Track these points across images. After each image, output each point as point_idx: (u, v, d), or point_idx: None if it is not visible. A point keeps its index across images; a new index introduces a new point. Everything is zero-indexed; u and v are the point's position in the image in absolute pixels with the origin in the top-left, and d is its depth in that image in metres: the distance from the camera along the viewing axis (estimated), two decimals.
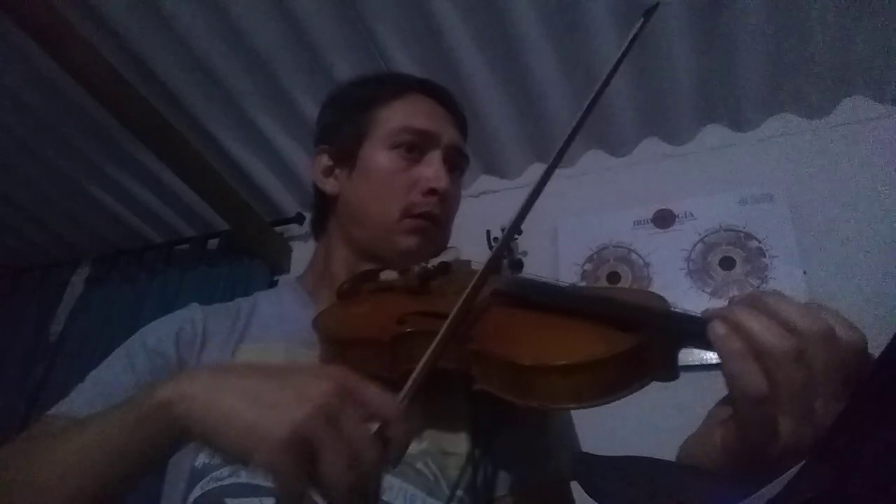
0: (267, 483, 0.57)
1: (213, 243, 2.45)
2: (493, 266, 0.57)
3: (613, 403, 0.47)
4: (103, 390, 0.65)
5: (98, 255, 2.67)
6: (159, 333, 0.71)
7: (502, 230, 1.86)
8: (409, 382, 0.48)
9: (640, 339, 0.48)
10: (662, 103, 1.82)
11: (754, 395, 0.38)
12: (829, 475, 0.33)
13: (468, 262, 0.76)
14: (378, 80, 0.85)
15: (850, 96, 1.76)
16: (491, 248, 1.85)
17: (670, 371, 0.50)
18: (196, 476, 0.60)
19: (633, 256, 1.81)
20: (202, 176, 1.99)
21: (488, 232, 1.85)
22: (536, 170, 2.07)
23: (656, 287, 1.73)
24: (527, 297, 0.60)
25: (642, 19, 0.65)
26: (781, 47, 1.62)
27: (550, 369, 0.48)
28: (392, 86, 0.82)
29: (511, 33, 1.63)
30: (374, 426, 0.41)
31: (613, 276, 1.80)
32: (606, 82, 0.63)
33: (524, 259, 1.89)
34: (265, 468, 0.38)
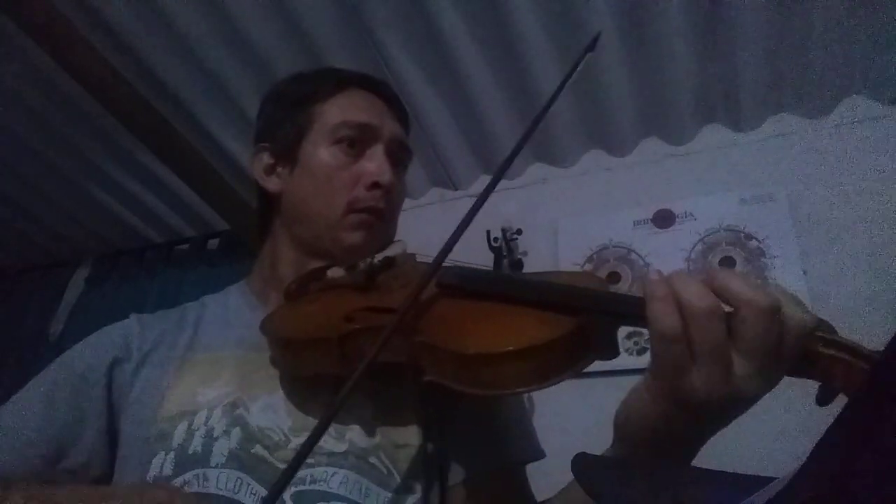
0: (219, 491, 0.57)
1: (213, 243, 2.45)
2: (436, 270, 0.57)
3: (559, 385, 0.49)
4: (13, 437, 0.64)
5: (98, 255, 2.67)
6: (89, 358, 0.70)
7: (502, 230, 1.87)
8: (358, 370, 0.49)
9: (581, 321, 0.50)
10: (662, 103, 1.82)
11: (668, 334, 0.42)
12: (829, 475, 0.33)
13: (413, 256, 0.76)
14: (317, 76, 0.84)
15: (850, 96, 1.76)
16: (491, 248, 1.85)
17: (611, 349, 0.52)
18: None
19: (633, 256, 1.81)
20: (202, 176, 1.99)
21: (488, 232, 1.85)
22: (536, 170, 2.07)
23: None
24: (470, 287, 0.60)
25: (585, 52, 0.66)
26: (781, 47, 1.62)
27: (495, 357, 0.49)
28: (331, 81, 0.81)
29: (511, 33, 1.63)
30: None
31: (613, 276, 1.80)
32: (547, 106, 0.65)
33: (524, 259, 1.89)
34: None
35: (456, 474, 0.67)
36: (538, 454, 0.73)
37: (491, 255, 1.84)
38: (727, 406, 0.43)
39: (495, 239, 1.86)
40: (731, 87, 1.75)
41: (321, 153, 0.76)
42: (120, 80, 1.68)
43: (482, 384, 0.50)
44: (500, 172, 0.63)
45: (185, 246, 2.50)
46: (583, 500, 0.49)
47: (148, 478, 0.60)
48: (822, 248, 1.62)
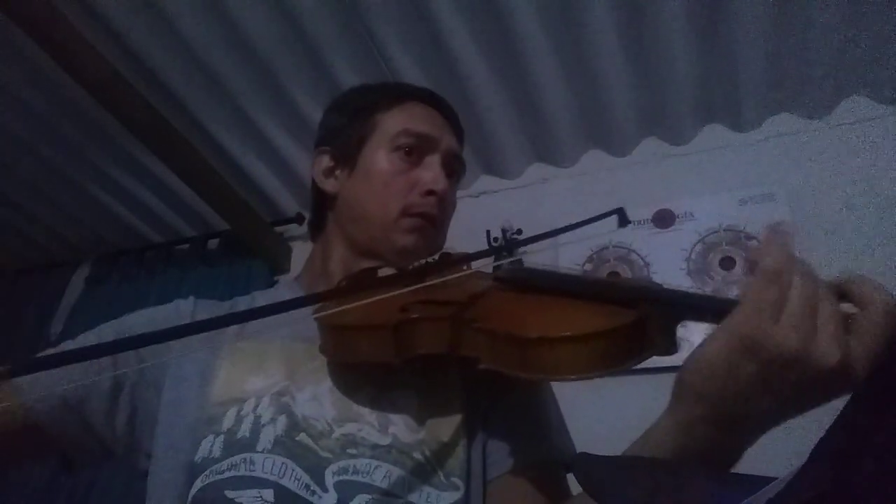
0: (265, 475, 0.59)
1: (213, 243, 2.45)
2: (491, 254, 0.59)
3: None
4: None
5: (98, 255, 2.67)
6: (145, 325, 0.73)
7: (503, 230, 1.87)
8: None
9: (641, 313, 0.51)
10: (662, 103, 1.82)
11: (762, 316, 0.42)
12: (829, 475, 0.33)
13: (466, 255, 0.78)
14: (381, 87, 0.89)
15: (850, 96, 1.76)
16: (492, 246, 1.85)
17: (669, 345, 0.53)
18: (196, 470, 0.61)
19: (633, 256, 1.81)
20: (202, 176, 1.99)
21: (488, 232, 1.85)
22: (536, 170, 2.07)
23: None
24: (528, 282, 0.62)
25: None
26: (781, 47, 1.62)
27: (556, 340, 0.50)
28: (394, 92, 0.85)
29: (511, 34, 1.63)
30: None
31: (613, 276, 1.80)
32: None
33: (524, 259, 1.89)
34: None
35: (497, 468, 0.68)
36: (573, 452, 0.74)
37: (491, 255, 1.84)
38: (801, 384, 0.42)
39: (495, 239, 1.86)
40: (731, 87, 1.75)
41: (380, 158, 0.79)
42: (120, 81, 1.68)
43: (540, 368, 0.51)
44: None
45: (185, 246, 2.50)
46: None
47: (195, 458, 0.61)
48: (822, 248, 1.62)
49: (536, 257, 2.11)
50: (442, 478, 0.63)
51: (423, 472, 0.62)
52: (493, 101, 1.85)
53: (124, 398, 0.68)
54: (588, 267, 1.84)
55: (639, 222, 1.85)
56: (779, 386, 0.42)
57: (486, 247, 1.84)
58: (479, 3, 1.57)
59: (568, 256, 1.87)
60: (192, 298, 0.78)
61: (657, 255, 1.78)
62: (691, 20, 1.58)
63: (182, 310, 0.76)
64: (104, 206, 2.40)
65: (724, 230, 1.74)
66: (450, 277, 0.61)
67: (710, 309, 0.49)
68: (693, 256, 1.75)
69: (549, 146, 1.99)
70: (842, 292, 0.44)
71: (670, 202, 1.84)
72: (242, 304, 0.81)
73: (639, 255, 1.81)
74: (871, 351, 0.41)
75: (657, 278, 1.75)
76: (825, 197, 1.68)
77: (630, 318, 0.51)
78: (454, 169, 0.84)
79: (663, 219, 1.83)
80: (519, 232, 1.89)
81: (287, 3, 1.60)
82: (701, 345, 0.45)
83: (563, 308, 0.57)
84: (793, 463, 0.35)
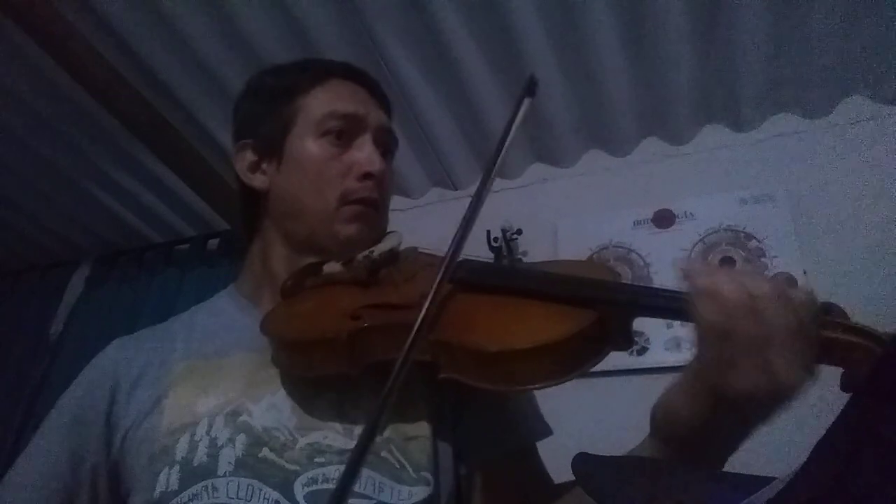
0: (230, 500, 0.57)
1: (213, 243, 2.44)
2: (450, 269, 0.55)
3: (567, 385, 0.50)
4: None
5: (98, 255, 2.67)
6: (82, 399, 0.69)
7: (502, 230, 1.86)
8: (390, 382, 0.47)
9: (599, 313, 0.50)
10: (662, 103, 1.81)
11: (716, 326, 0.44)
12: (829, 475, 0.33)
13: (415, 249, 0.75)
14: (297, 68, 0.82)
15: (850, 96, 1.75)
16: (491, 248, 1.85)
17: (627, 340, 0.52)
18: None
19: (633, 256, 1.81)
20: (202, 176, 1.99)
21: (488, 232, 1.85)
22: (536, 169, 2.07)
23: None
24: (483, 282, 0.60)
25: (527, 98, 0.66)
26: (781, 47, 1.62)
27: (517, 353, 0.49)
28: (312, 72, 0.79)
29: (511, 33, 1.63)
30: None
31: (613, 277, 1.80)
32: (498, 153, 0.64)
33: (524, 259, 1.89)
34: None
35: (470, 462, 0.67)
36: (547, 431, 0.73)
37: (491, 255, 1.84)
38: (770, 400, 0.44)
39: (495, 239, 1.86)
40: (731, 87, 1.74)
41: (309, 146, 0.74)
42: (120, 80, 1.68)
43: (503, 380, 0.50)
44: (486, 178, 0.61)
45: (185, 246, 2.50)
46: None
47: (154, 495, 0.59)
48: (822, 248, 1.62)
49: (537, 256, 2.11)
50: (411, 472, 0.61)
51: (393, 471, 0.60)
52: (492, 101, 1.85)
53: (99, 474, 0.66)
54: None
55: (639, 222, 1.85)
56: (751, 410, 0.46)
57: (486, 247, 1.84)
58: (479, 2, 1.57)
59: (568, 256, 1.86)
60: (116, 342, 0.74)
61: (657, 255, 1.78)
62: (691, 20, 1.58)
63: (115, 356, 0.72)
64: (104, 206, 2.40)
65: (724, 230, 1.74)
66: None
67: (665, 305, 0.49)
68: (693, 256, 1.75)
69: (549, 146, 1.99)
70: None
71: (670, 202, 1.84)
72: (179, 321, 0.77)
73: (639, 255, 1.81)
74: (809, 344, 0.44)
75: (657, 278, 1.75)
76: (825, 197, 1.68)
77: (589, 319, 0.50)
78: (387, 146, 0.79)
79: (663, 219, 1.83)
80: (519, 232, 1.89)
81: (287, 3, 1.60)
82: (670, 398, 0.49)
83: (520, 313, 0.54)
84: (793, 463, 0.35)
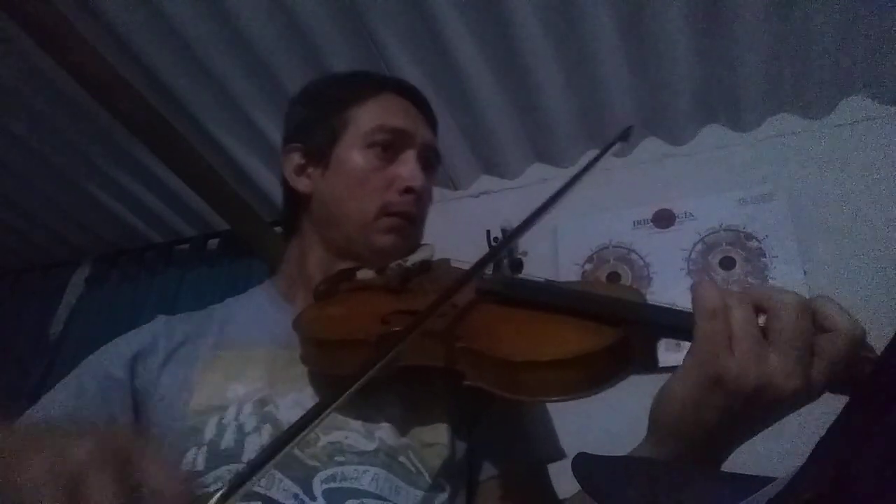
0: (258, 489, 0.57)
1: (213, 243, 2.45)
2: (481, 268, 0.57)
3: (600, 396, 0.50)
4: (47, 415, 0.64)
5: (98, 255, 2.67)
6: (114, 357, 0.71)
7: (502, 230, 1.86)
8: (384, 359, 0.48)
9: (624, 332, 0.51)
10: (662, 103, 1.82)
11: (716, 351, 0.43)
12: (829, 475, 0.33)
13: (447, 261, 0.77)
14: (351, 79, 0.85)
15: (850, 96, 1.76)
16: (491, 248, 1.85)
17: (651, 362, 0.52)
18: None
19: (633, 256, 1.81)
20: (202, 176, 1.98)
21: (488, 232, 1.85)
22: (536, 170, 2.07)
23: (656, 287, 1.73)
24: (512, 295, 0.61)
25: (619, 142, 0.67)
26: (781, 47, 1.62)
27: (541, 365, 0.50)
28: (366, 85, 0.82)
29: (511, 33, 1.63)
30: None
31: (613, 276, 1.80)
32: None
33: (524, 259, 1.89)
34: None
35: (484, 472, 0.68)
36: (560, 454, 0.74)
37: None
38: (767, 406, 0.43)
39: (495, 239, 1.86)
40: (731, 87, 1.75)
41: (355, 156, 0.76)
42: (120, 80, 1.68)
43: (526, 391, 0.51)
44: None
45: (185, 246, 2.50)
46: None
47: None
48: (822, 248, 1.62)
49: (537, 256, 2.11)
50: (428, 479, 0.62)
51: (410, 475, 0.61)
52: (493, 101, 1.85)
53: None
54: (588, 267, 1.84)
55: (639, 222, 1.85)
56: (747, 411, 0.43)
57: (486, 247, 1.84)
58: (479, 2, 1.57)
59: (568, 256, 1.87)
60: (161, 317, 0.77)
61: (657, 255, 1.78)
62: (691, 20, 1.58)
63: (155, 329, 0.74)
64: (104, 206, 2.40)
65: (724, 230, 1.74)
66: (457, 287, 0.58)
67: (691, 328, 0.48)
68: (693, 256, 1.75)
69: (549, 146, 1.99)
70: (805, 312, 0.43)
71: (670, 202, 1.84)
72: (217, 310, 0.79)
73: (639, 255, 1.81)
74: (832, 373, 0.42)
75: (657, 278, 1.76)
76: (825, 197, 1.68)
77: (615, 337, 0.50)
78: (430, 162, 0.81)
79: (663, 219, 1.83)
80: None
81: (287, 3, 1.60)
82: (667, 384, 0.47)
83: (548, 326, 0.56)
84: (793, 463, 0.35)
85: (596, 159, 0.69)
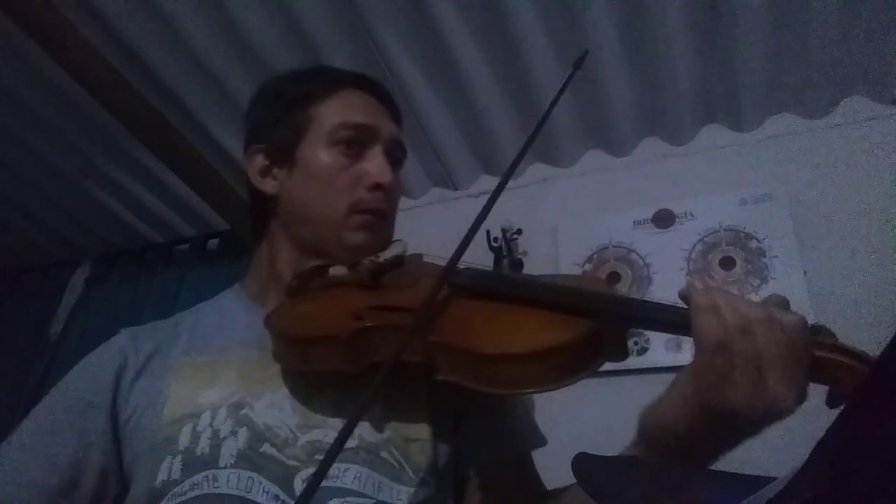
0: (230, 491, 0.57)
1: (213, 243, 2.45)
2: (454, 267, 0.57)
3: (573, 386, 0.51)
4: (17, 476, 0.63)
5: (98, 255, 2.67)
6: (89, 381, 0.69)
7: (502, 230, 1.86)
8: (381, 372, 0.49)
9: (595, 323, 0.52)
10: (662, 103, 1.81)
11: (714, 340, 0.46)
12: (829, 475, 0.33)
13: (420, 256, 0.77)
14: (312, 75, 0.84)
15: (850, 96, 1.75)
16: (491, 248, 1.85)
17: (622, 352, 0.54)
18: (157, 495, 0.59)
19: (633, 256, 1.81)
20: (202, 176, 1.99)
21: (488, 232, 1.84)
22: (536, 170, 2.07)
23: (656, 287, 1.73)
24: (484, 288, 0.61)
25: (573, 69, 0.68)
26: (781, 47, 1.62)
27: (513, 357, 0.51)
28: (327, 81, 0.81)
29: (511, 33, 1.63)
30: None
31: (613, 276, 1.80)
32: (543, 119, 0.70)
33: (524, 259, 1.89)
34: None
35: (472, 465, 0.68)
36: (542, 441, 0.75)
37: (491, 255, 1.84)
38: (761, 415, 0.45)
39: (495, 239, 1.86)
40: (731, 87, 1.74)
41: (320, 155, 0.75)
42: (120, 80, 1.68)
43: (498, 383, 0.51)
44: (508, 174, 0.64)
45: (185, 246, 2.50)
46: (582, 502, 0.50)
47: (156, 483, 0.59)
48: (822, 248, 1.62)
49: (537, 256, 2.11)
50: (411, 474, 0.62)
51: (393, 470, 0.61)
52: (492, 101, 1.85)
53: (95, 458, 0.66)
54: (588, 267, 1.84)
55: (639, 222, 1.85)
56: (745, 427, 0.47)
57: (486, 247, 1.84)
58: (479, 3, 1.57)
59: (568, 257, 1.87)
60: (124, 331, 0.75)
61: (657, 255, 1.78)
62: (691, 20, 1.58)
63: (122, 344, 0.72)
64: (104, 206, 2.40)
65: (724, 230, 1.74)
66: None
67: (660, 319, 0.51)
68: (693, 256, 1.75)
69: (549, 146, 1.99)
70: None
71: (670, 202, 1.84)
72: (186, 316, 0.78)
73: (639, 255, 1.81)
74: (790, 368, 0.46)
75: (657, 278, 1.75)
76: (825, 197, 1.68)
77: (586, 329, 0.51)
78: (397, 157, 0.80)
79: (663, 219, 1.83)
80: (519, 232, 1.89)
81: (287, 3, 1.60)
82: (661, 405, 0.51)
83: (519, 318, 0.56)
84: (793, 463, 0.35)
85: (559, 94, 0.70)
